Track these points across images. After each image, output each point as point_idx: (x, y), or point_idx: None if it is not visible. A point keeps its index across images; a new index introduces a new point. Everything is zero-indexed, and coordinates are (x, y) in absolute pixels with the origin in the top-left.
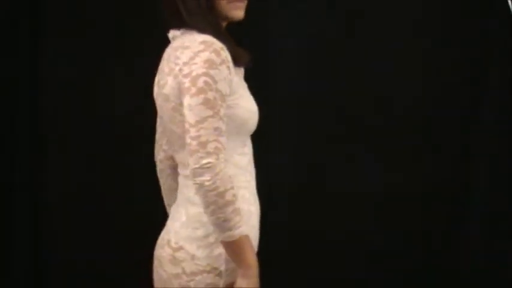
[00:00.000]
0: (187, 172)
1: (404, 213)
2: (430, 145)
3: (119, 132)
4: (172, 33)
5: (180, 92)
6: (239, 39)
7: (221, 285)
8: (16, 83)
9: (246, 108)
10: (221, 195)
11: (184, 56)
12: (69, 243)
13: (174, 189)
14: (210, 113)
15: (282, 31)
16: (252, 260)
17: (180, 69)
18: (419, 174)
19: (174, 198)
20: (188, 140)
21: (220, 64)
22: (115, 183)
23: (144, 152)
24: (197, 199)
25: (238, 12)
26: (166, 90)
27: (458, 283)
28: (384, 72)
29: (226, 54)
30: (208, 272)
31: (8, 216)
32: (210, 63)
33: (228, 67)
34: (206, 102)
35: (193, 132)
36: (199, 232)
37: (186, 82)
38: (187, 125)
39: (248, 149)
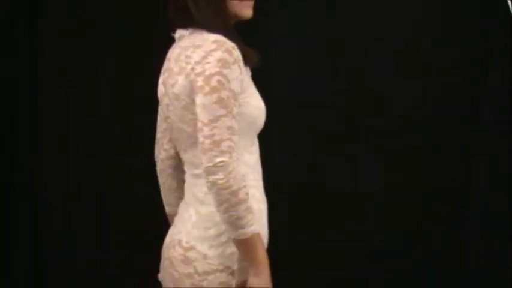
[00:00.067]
0: (198, 171)
1: (404, 213)
2: (430, 145)
3: (119, 132)
4: (179, 33)
5: (191, 90)
6: None
7: (234, 285)
8: (16, 83)
9: (256, 106)
10: (234, 193)
11: (196, 55)
12: (69, 243)
13: (174, 189)
14: (224, 111)
15: (282, 31)
16: (264, 257)
17: (192, 68)
18: (419, 174)
19: (173, 198)
20: (201, 139)
21: (233, 63)
22: (115, 183)
23: (144, 152)
24: (208, 198)
25: (248, 11)
26: (177, 89)
27: (458, 283)
28: (384, 72)
29: (237, 54)
30: (221, 271)
31: (8, 216)
32: (223, 63)
33: (240, 66)
34: (220, 101)
35: (206, 131)
36: (212, 232)
37: (199, 81)
38: (200, 124)
39: (256, 148)
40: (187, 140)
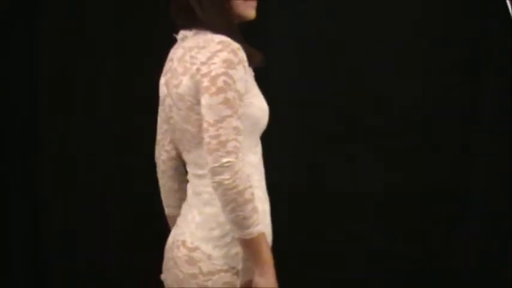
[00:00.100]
0: (202, 171)
1: (404, 213)
2: (430, 145)
3: (119, 132)
4: (182, 34)
5: (197, 91)
6: None
7: (238, 285)
8: (16, 83)
9: (259, 107)
10: (240, 193)
11: (202, 56)
12: (69, 243)
13: (175, 190)
14: (229, 112)
15: (282, 31)
16: (269, 257)
17: (198, 69)
18: (419, 174)
19: (174, 200)
20: (207, 139)
21: (238, 64)
22: (115, 183)
23: (144, 152)
24: (212, 199)
25: (251, 11)
26: (181, 89)
27: (458, 283)
28: (384, 72)
29: (242, 54)
30: (226, 271)
31: (8, 216)
32: (228, 63)
33: (244, 67)
34: (226, 102)
35: (212, 131)
36: (216, 232)
37: (205, 81)
38: (205, 124)
39: (259, 148)
40: (191, 141)
